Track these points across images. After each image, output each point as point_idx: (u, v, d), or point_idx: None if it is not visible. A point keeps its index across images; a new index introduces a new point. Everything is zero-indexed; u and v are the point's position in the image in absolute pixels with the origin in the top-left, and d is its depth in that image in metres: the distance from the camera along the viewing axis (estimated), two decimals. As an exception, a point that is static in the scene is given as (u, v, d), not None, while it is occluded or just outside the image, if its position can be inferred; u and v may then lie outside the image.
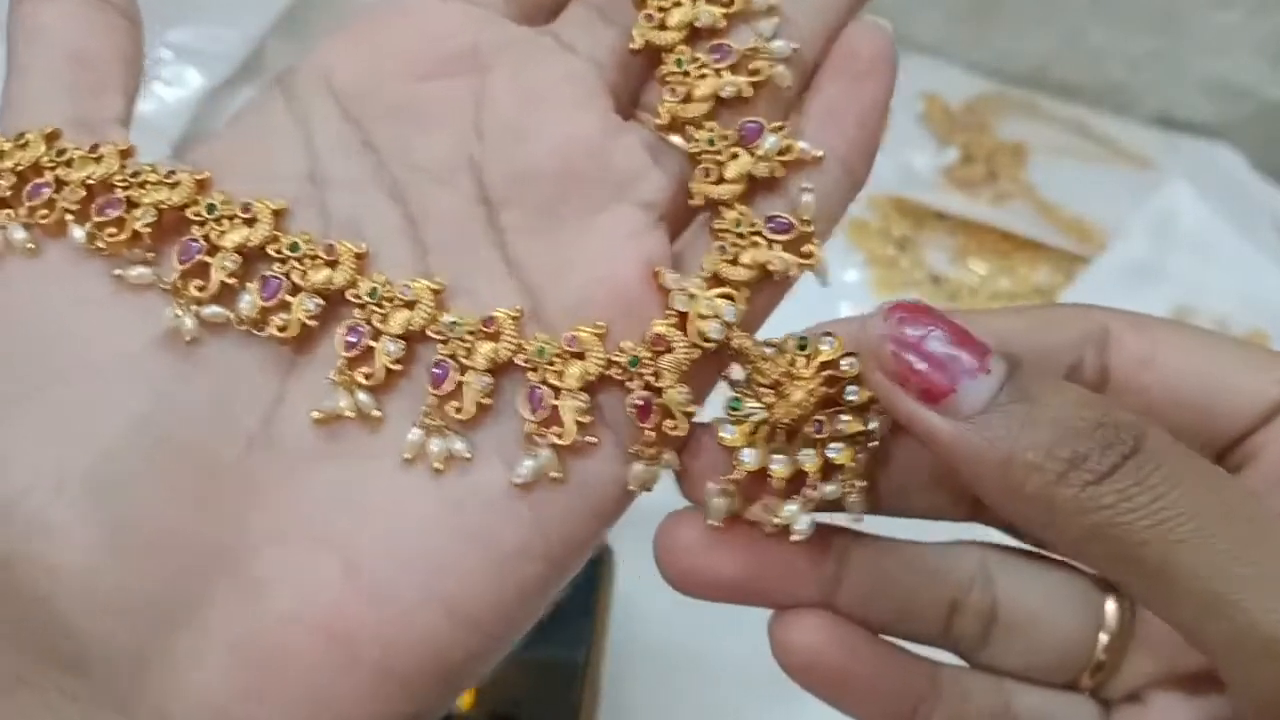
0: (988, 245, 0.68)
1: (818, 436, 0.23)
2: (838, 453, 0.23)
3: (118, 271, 0.23)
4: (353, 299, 0.23)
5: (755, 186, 0.24)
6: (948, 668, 0.25)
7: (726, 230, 0.24)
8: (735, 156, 0.24)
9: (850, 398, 0.23)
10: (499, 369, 0.23)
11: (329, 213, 0.24)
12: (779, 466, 0.23)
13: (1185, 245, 0.66)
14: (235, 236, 0.23)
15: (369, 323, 0.23)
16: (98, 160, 0.23)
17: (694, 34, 0.25)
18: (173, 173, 0.23)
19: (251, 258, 0.23)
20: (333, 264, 0.23)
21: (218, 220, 0.23)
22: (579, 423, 0.22)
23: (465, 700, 0.42)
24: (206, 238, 0.23)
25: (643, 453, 0.23)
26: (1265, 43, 0.69)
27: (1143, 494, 0.19)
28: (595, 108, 0.24)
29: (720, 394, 0.24)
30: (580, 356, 0.23)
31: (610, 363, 0.23)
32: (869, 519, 0.24)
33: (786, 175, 0.24)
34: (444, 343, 0.23)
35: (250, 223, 0.23)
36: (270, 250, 0.23)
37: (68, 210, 0.23)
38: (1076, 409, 0.20)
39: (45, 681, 0.21)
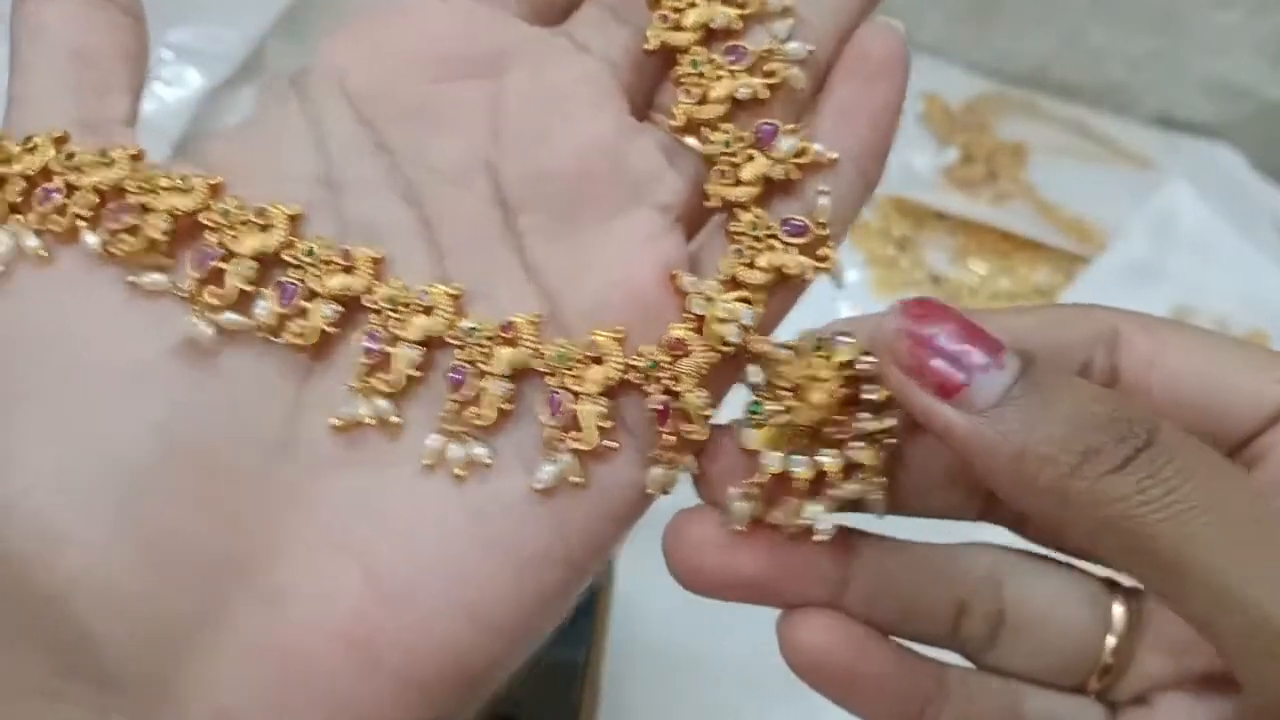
0: (988, 245, 0.68)
1: (837, 437, 0.23)
2: (860, 451, 0.23)
3: (131, 278, 0.22)
4: (369, 305, 0.23)
5: (771, 188, 0.24)
6: (955, 669, 0.25)
7: (743, 233, 0.24)
8: (751, 159, 0.24)
9: (869, 396, 0.23)
10: (518, 374, 0.23)
11: (344, 216, 0.23)
12: (801, 468, 0.23)
13: (1185, 245, 0.66)
14: (251, 242, 0.23)
15: (386, 328, 0.23)
16: (109, 165, 0.23)
17: (709, 35, 0.25)
18: (185, 177, 0.23)
19: (266, 263, 0.23)
20: (349, 269, 0.23)
21: (232, 226, 0.23)
22: (600, 427, 0.22)
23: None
24: (222, 243, 0.23)
25: (662, 457, 0.23)
26: (1265, 43, 0.69)
27: (1156, 487, 0.19)
28: (610, 109, 0.24)
29: (734, 396, 0.24)
30: (599, 361, 0.23)
31: (629, 367, 0.23)
32: (872, 521, 0.24)
33: (802, 177, 0.24)
34: (461, 348, 0.23)
35: (265, 228, 0.23)
36: (286, 256, 0.23)
37: (80, 216, 0.23)
38: (1090, 403, 0.20)
39: (64, 690, 0.20)
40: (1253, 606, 0.19)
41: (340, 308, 0.23)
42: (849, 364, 0.23)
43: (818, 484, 0.23)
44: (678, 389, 0.23)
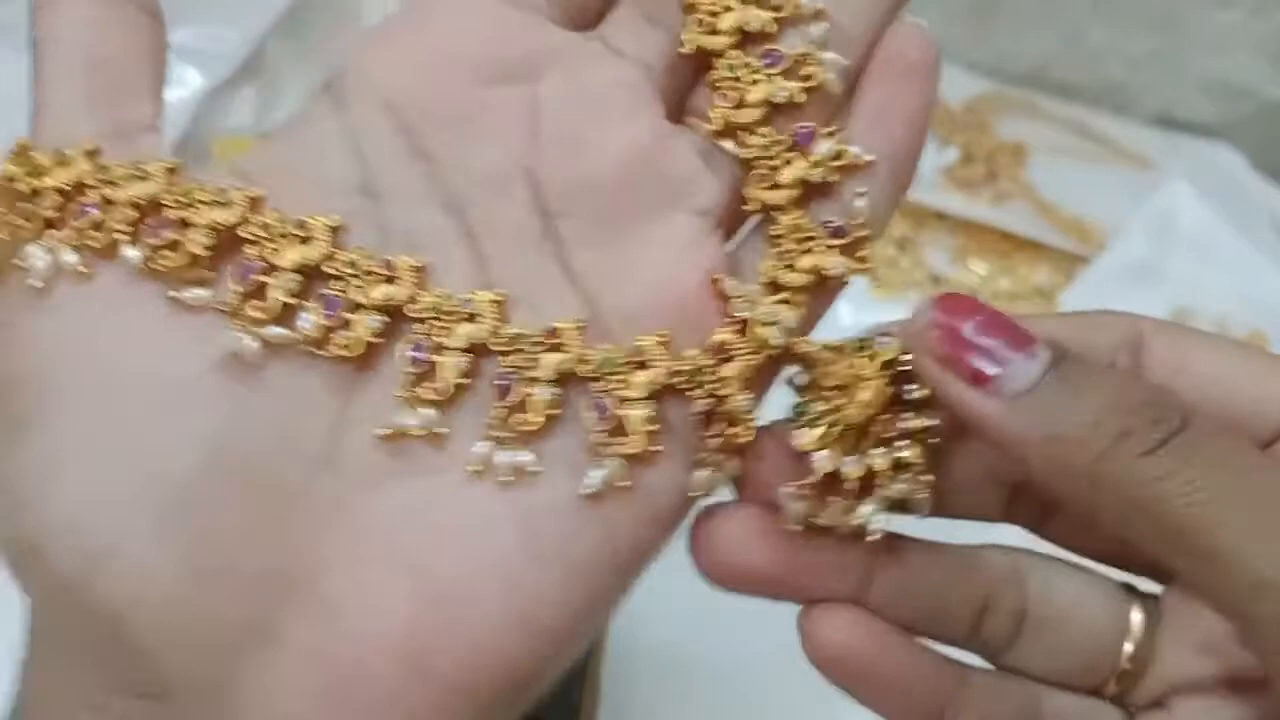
0: (988, 245, 0.68)
1: (884, 436, 0.23)
2: (906, 449, 0.23)
3: (173, 294, 0.22)
4: (413, 314, 0.22)
5: (808, 191, 0.24)
6: (977, 669, 0.25)
7: (782, 236, 0.24)
8: (789, 162, 0.24)
9: (912, 395, 0.23)
10: (563, 380, 0.22)
11: (385, 226, 0.23)
12: (851, 467, 0.23)
13: (1185, 245, 0.66)
14: (293, 255, 0.22)
15: (430, 337, 0.22)
16: (144, 178, 0.23)
17: (744, 38, 0.25)
18: (224, 190, 0.23)
19: (308, 275, 0.22)
20: (391, 279, 0.22)
21: (272, 239, 0.22)
22: (647, 431, 0.22)
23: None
24: (262, 257, 0.22)
25: (708, 460, 0.23)
26: (1265, 43, 0.69)
27: (1189, 470, 0.20)
28: (647, 114, 0.24)
29: (775, 398, 0.24)
30: (644, 365, 0.22)
31: (674, 371, 0.23)
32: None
33: (839, 180, 0.24)
34: (506, 355, 0.22)
35: (306, 240, 0.22)
36: (327, 268, 0.22)
37: (118, 231, 0.22)
38: (1123, 388, 0.21)
39: (121, 708, 0.20)
40: None
41: (385, 318, 0.22)
42: (892, 362, 0.23)
43: (866, 484, 0.23)
44: (722, 393, 0.23)
